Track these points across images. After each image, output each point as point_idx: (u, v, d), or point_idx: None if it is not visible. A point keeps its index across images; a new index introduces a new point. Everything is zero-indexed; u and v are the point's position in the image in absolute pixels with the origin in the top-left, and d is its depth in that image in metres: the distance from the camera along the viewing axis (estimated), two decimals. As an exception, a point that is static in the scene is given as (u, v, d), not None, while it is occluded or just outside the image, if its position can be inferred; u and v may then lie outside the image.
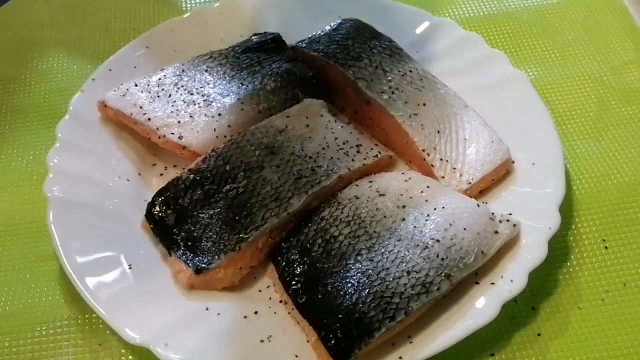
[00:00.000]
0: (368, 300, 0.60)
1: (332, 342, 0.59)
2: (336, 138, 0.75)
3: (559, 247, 0.72)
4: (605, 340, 0.65)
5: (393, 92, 0.78)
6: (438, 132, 0.75)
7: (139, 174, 0.76)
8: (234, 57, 0.82)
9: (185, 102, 0.77)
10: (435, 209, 0.67)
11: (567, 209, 0.74)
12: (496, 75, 0.82)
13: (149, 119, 0.75)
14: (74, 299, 0.68)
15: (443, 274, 0.62)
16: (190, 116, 0.76)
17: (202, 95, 0.78)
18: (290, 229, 0.68)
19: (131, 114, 0.76)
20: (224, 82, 0.79)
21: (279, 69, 0.81)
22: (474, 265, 0.64)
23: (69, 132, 0.75)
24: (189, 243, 0.66)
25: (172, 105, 0.77)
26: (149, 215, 0.68)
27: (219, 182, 0.70)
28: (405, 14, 0.89)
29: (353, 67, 0.80)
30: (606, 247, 0.72)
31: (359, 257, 0.63)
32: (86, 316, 0.67)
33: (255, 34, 0.86)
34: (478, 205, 0.68)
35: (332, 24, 0.87)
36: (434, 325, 0.62)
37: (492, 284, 0.64)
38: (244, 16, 0.90)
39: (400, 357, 0.59)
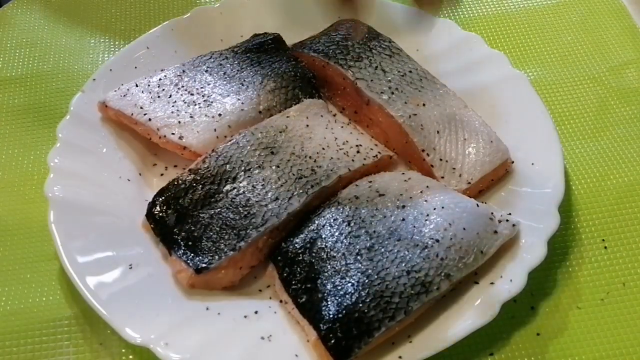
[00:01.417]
0: (368, 300, 0.60)
1: (332, 341, 0.59)
2: (336, 138, 0.75)
3: (559, 247, 0.72)
4: (604, 340, 0.65)
5: (393, 93, 0.78)
6: (437, 132, 0.75)
7: (140, 174, 0.76)
8: (234, 58, 0.82)
9: (185, 103, 0.77)
10: (434, 209, 0.67)
11: (566, 209, 0.75)
12: (496, 75, 0.82)
13: (150, 120, 0.75)
14: (74, 298, 0.68)
15: (442, 274, 0.62)
16: (191, 116, 0.76)
17: (203, 96, 0.78)
18: (290, 229, 0.68)
19: (132, 114, 0.76)
20: (224, 82, 0.80)
21: (279, 69, 0.81)
22: (473, 265, 0.64)
23: (70, 133, 0.75)
24: (190, 243, 0.66)
25: (173, 106, 0.77)
26: (150, 215, 0.69)
27: (219, 182, 0.70)
28: (405, 14, 0.89)
29: (353, 68, 0.80)
30: (605, 247, 0.72)
31: (359, 257, 0.64)
32: (87, 316, 0.67)
33: (255, 35, 0.87)
34: (477, 205, 0.68)
35: (331, 24, 0.87)
36: (434, 324, 0.62)
37: (492, 283, 0.64)
38: (244, 16, 0.90)
39: (400, 357, 0.60)
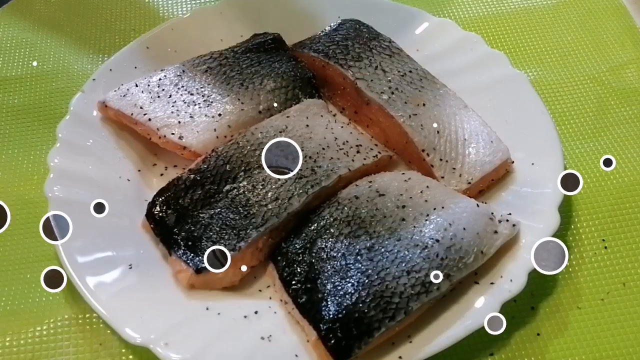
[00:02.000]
0: (368, 300, 0.60)
1: (332, 341, 0.59)
2: (336, 138, 0.75)
3: (559, 247, 0.72)
4: (604, 340, 0.65)
5: (393, 93, 0.78)
6: (438, 132, 0.75)
7: (140, 174, 0.76)
8: (234, 58, 0.83)
9: (185, 103, 0.77)
10: (434, 209, 0.67)
11: (566, 209, 0.75)
12: (496, 75, 0.82)
13: (150, 119, 0.75)
14: (74, 298, 0.68)
15: (443, 274, 0.62)
16: (191, 116, 0.76)
17: (203, 96, 0.78)
18: (290, 229, 0.68)
19: (132, 114, 0.76)
20: (224, 82, 0.80)
21: (279, 69, 0.81)
22: (473, 265, 0.64)
23: (70, 132, 0.75)
24: (189, 243, 0.66)
25: (173, 106, 0.77)
26: (150, 215, 0.69)
27: (219, 182, 0.70)
28: (405, 14, 0.89)
29: (353, 68, 0.80)
30: (606, 247, 0.72)
31: (359, 257, 0.64)
32: (87, 316, 0.67)
33: (255, 35, 0.87)
34: (478, 205, 0.68)
35: (332, 24, 0.87)
36: (434, 324, 0.62)
37: (492, 283, 0.64)
38: (244, 16, 0.90)
39: (400, 357, 0.60)
